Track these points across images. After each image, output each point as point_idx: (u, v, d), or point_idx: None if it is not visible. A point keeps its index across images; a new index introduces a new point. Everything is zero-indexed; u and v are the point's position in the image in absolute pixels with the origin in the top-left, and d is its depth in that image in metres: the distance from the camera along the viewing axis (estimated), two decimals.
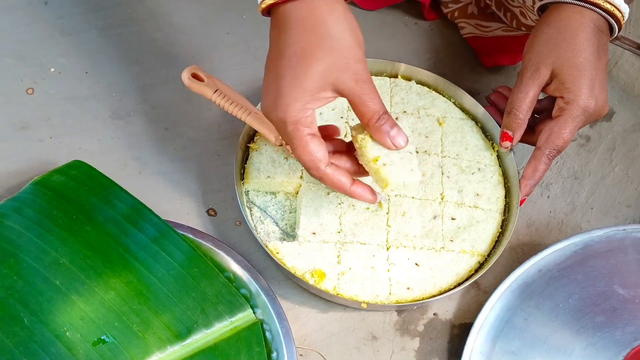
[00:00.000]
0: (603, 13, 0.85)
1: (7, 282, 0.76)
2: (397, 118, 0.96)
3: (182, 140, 0.95)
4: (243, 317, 0.80)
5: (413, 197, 0.90)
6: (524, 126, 0.89)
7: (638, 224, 0.93)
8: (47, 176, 0.83)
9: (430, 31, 1.10)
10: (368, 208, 0.89)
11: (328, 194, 0.89)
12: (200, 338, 0.78)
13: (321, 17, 0.71)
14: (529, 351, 0.83)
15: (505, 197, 0.93)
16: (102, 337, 0.75)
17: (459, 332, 0.87)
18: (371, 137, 0.77)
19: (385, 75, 1.00)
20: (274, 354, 0.80)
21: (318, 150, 0.73)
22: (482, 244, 0.89)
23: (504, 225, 0.91)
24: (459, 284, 0.86)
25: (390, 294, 0.85)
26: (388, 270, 0.86)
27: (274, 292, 0.82)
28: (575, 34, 0.85)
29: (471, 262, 0.88)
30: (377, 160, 0.77)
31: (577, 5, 0.85)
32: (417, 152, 0.93)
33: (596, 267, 0.87)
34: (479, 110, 0.97)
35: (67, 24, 1.03)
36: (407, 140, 0.77)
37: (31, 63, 0.99)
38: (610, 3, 0.84)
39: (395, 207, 0.90)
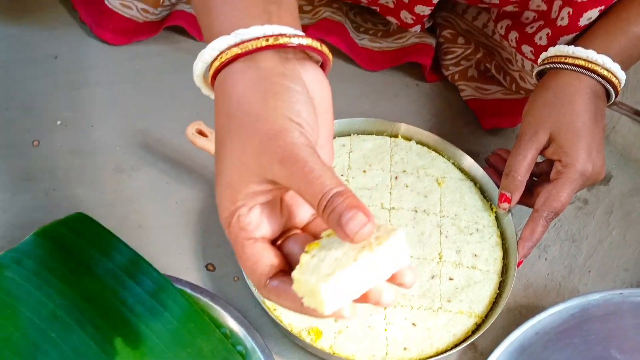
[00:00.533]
0: (600, 79, 0.86)
1: (4, 333, 0.76)
2: (397, 177, 0.97)
3: (184, 195, 0.96)
4: None
5: (411, 256, 0.91)
6: (522, 188, 0.90)
7: (635, 288, 0.94)
8: (48, 227, 0.84)
9: (431, 93, 1.11)
10: None
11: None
12: None
13: (230, 90, 0.57)
14: None
15: (503, 258, 0.93)
16: None
17: None
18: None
19: (386, 135, 1.01)
20: None
21: (257, 259, 0.56)
22: (480, 305, 0.89)
23: (501, 286, 0.91)
24: (456, 345, 0.86)
25: (387, 353, 0.84)
26: (385, 330, 0.86)
27: (270, 349, 0.82)
28: (573, 98, 0.86)
29: (468, 323, 0.88)
30: (310, 247, 0.54)
31: (575, 71, 0.87)
32: (415, 211, 0.94)
33: (593, 331, 0.87)
34: (478, 171, 0.98)
35: (74, 78, 1.04)
36: (366, 226, 0.51)
37: (38, 116, 1.00)
38: (607, 70, 0.86)
39: None
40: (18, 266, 0.80)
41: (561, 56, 0.88)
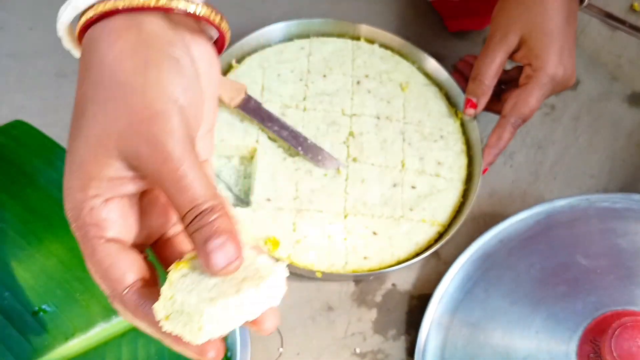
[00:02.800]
0: None
1: None
2: (358, 82, 0.94)
3: None
4: None
5: (372, 164, 0.89)
6: (489, 93, 0.88)
7: (601, 193, 0.94)
8: None
9: None
10: (326, 174, 0.88)
11: (285, 159, 0.88)
12: None
13: (102, 52, 0.46)
14: (489, 322, 0.83)
15: (468, 166, 0.93)
16: (43, 307, 0.73)
17: (418, 303, 0.87)
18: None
19: (347, 38, 0.98)
20: None
21: (111, 265, 0.45)
22: (443, 214, 0.89)
23: (465, 194, 0.91)
24: (418, 254, 0.86)
25: (346, 263, 0.84)
26: (345, 239, 0.85)
27: None
28: None
29: (430, 231, 0.88)
30: (180, 264, 0.47)
31: None
32: (378, 118, 0.92)
33: (559, 237, 0.88)
34: (442, 75, 0.96)
35: None
36: (234, 262, 0.45)
37: None
38: None
39: (354, 174, 0.89)
40: None
41: None
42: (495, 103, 0.90)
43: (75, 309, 0.74)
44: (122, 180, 0.45)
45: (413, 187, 0.89)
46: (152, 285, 0.46)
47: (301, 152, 0.87)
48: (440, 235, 0.88)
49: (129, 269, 0.45)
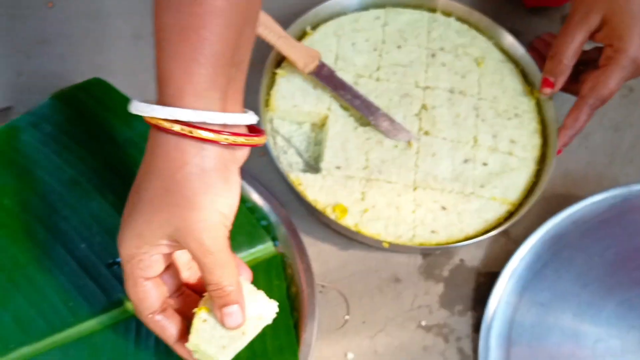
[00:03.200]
0: None
1: (23, 197, 0.75)
2: (433, 55, 0.93)
3: None
4: (263, 250, 0.79)
5: (444, 139, 0.88)
6: (568, 72, 0.86)
7: None
8: (66, 91, 0.81)
9: None
10: (396, 146, 0.87)
11: (356, 128, 0.87)
12: None
13: (175, 157, 0.58)
14: (559, 304, 0.82)
15: (542, 146, 0.91)
16: (117, 260, 0.74)
17: (485, 280, 0.86)
18: None
19: (423, 9, 0.97)
20: (293, 289, 0.78)
21: (146, 296, 0.63)
22: (514, 193, 0.87)
23: (538, 175, 0.89)
24: (487, 232, 0.85)
25: (414, 235, 0.83)
26: (413, 212, 0.84)
27: (295, 226, 0.81)
28: None
29: (501, 210, 0.86)
30: (202, 309, 0.65)
31: None
32: (451, 92, 0.91)
33: (635, 222, 0.86)
34: (519, 51, 0.95)
35: None
36: (240, 324, 0.64)
37: None
38: None
39: (425, 148, 0.88)
40: (35, 130, 0.79)
41: None
42: (573, 84, 0.88)
43: None
44: (166, 247, 0.61)
45: (485, 164, 0.88)
46: (166, 310, 0.65)
47: (373, 122, 0.87)
48: (511, 214, 0.87)
49: (155, 300, 0.63)
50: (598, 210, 0.86)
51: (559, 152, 0.88)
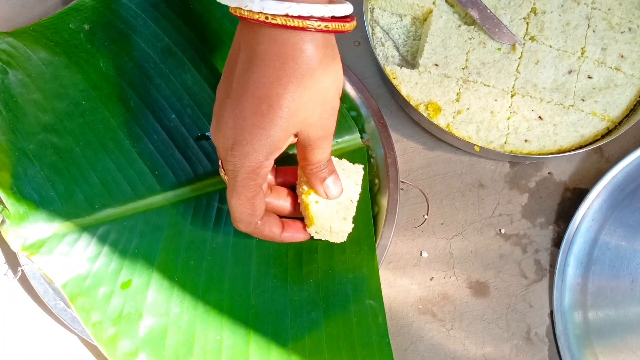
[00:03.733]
0: None
1: (118, 61, 0.75)
2: None
3: None
4: (350, 140, 0.77)
5: (551, 46, 0.83)
6: None
7: None
8: None
9: None
10: (499, 49, 0.82)
11: (459, 26, 0.83)
12: None
13: (305, 61, 0.58)
14: None
15: None
16: (206, 134, 0.74)
17: (572, 196, 0.83)
18: None
19: None
20: (376, 181, 0.77)
21: (259, 206, 0.64)
22: (616, 110, 0.82)
23: None
24: (581, 147, 0.81)
25: (505, 142, 0.80)
26: (508, 118, 0.81)
27: (385, 120, 0.79)
28: None
29: (599, 126, 0.82)
30: (308, 194, 0.69)
31: None
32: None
33: None
34: None
35: None
36: (341, 190, 0.69)
37: None
38: None
39: (530, 54, 0.83)
40: None
41: None
42: None
43: None
44: (287, 145, 0.63)
45: (589, 77, 0.83)
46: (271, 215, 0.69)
47: (478, 21, 0.82)
48: (609, 132, 0.82)
49: (263, 206, 0.65)
50: None
51: None
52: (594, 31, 0.85)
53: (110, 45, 0.76)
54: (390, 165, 0.77)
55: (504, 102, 0.81)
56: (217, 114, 0.61)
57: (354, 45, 0.86)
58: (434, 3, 0.84)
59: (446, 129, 0.80)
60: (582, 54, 0.84)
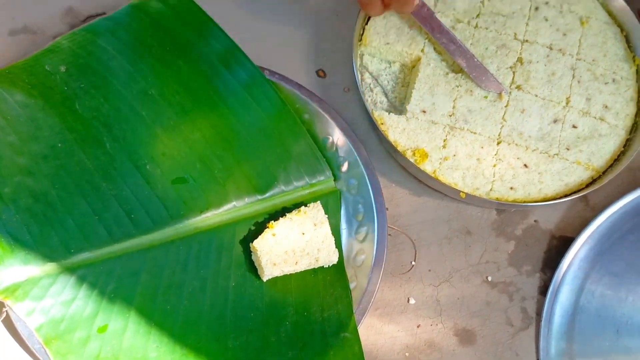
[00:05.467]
0: None
1: (94, 103, 0.70)
2: (537, 8, 0.83)
3: None
4: (324, 182, 0.72)
5: (536, 95, 0.79)
6: None
7: None
8: (145, 1, 0.75)
9: None
10: (486, 97, 0.78)
11: (447, 74, 0.79)
12: (278, 195, 0.70)
13: None
14: (634, 275, 0.73)
15: (636, 115, 0.80)
16: (183, 176, 0.68)
17: (558, 244, 0.78)
18: None
19: None
20: (364, 229, 0.73)
21: None
22: (600, 160, 0.78)
23: (627, 144, 0.79)
24: (566, 195, 0.76)
25: (491, 189, 0.75)
26: (494, 166, 0.76)
27: (373, 165, 0.75)
28: None
29: (584, 175, 0.77)
30: (273, 226, 0.68)
31: None
32: (550, 49, 0.82)
33: None
34: (627, 15, 0.84)
35: None
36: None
37: None
38: None
39: (516, 102, 0.78)
40: (112, 36, 0.73)
41: None
42: None
43: (212, 185, 0.69)
44: None
45: (574, 127, 0.79)
46: None
47: (465, 69, 0.79)
48: (593, 181, 0.78)
49: None
50: None
51: None
52: (578, 81, 0.81)
53: (86, 87, 0.70)
54: (378, 210, 0.72)
55: (490, 150, 0.77)
56: None
57: (344, 92, 0.82)
58: (422, 51, 0.80)
59: (433, 175, 0.75)
60: (567, 103, 0.80)
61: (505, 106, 0.78)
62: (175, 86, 0.71)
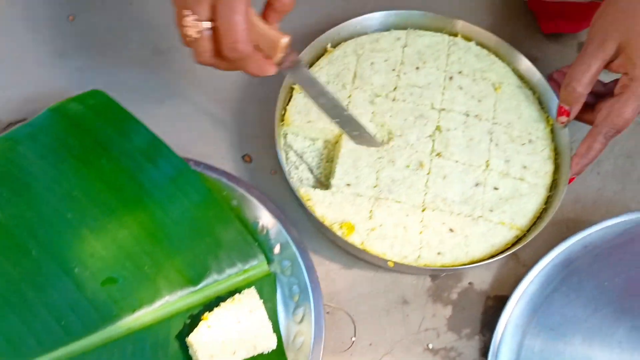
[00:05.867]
0: None
1: (17, 210, 0.69)
2: (451, 78, 0.85)
3: (223, 81, 0.86)
4: (257, 266, 0.72)
5: (457, 161, 0.81)
6: (582, 101, 0.78)
7: None
8: (64, 103, 0.75)
9: None
10: (408, 166, 0.80)
11: (368, 147, 0.80)
12: (212, 285, 0.70)
13: None
14: (569, 328, 0.74)
15: (554, 173, 0.82)
16: (112, 276, 0.67)
17: (494, 303, 0.78)
18: None
19: (444, 33, 0.89)
20: (301, 309, 0.72)
21: (246, 28, 0.61)
22: (523, 219, 0.79)
23: (548, 201, 0.80)
24: (493, 256, 0.77)
25: (419, 257, 0.76)
26: (420, 233, 0.77)
27: (305, 245, 0.74)
28: None
29: (508, 235, 0.78)
30: (206, 317, 0.68)
31: None
32: (467, 115, 0.84)
33: None
34: (536, 76, 0.87)
35: None
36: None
37: None
38: None
39: (437, 169, 0.80)
40: (32, 142, 0.72)
41: None
42: (589, 113, 0.79)
43: (142, 282, 0.68)
44: None
45: (495, 189, 0.80)
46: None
47: (337, 123, 0.78)
48: (519, 240, 0.79)
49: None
50: (610, 236, 0.79)
51: (571, 180, 0.79)
52: (496, 144, 0.83)
53: (7, 194, 0.69)
54: (313, 290, 0.71)
55: (415, 217, 0.77)
56: None
57: (271, 174, 0.82)
58: None
59: (361, 247, 0.75)
60: (487, 166, 0.81)
61: (427, 174, 0.80)
62: (100, 185, 0.71)
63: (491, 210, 0.79)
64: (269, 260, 0.74)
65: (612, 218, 0.79)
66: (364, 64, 0.85)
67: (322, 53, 0.86)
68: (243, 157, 0.83)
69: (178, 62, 0.88)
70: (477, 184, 0.80)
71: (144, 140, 0.74)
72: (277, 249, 0.74)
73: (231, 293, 0.69)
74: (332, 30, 0.86)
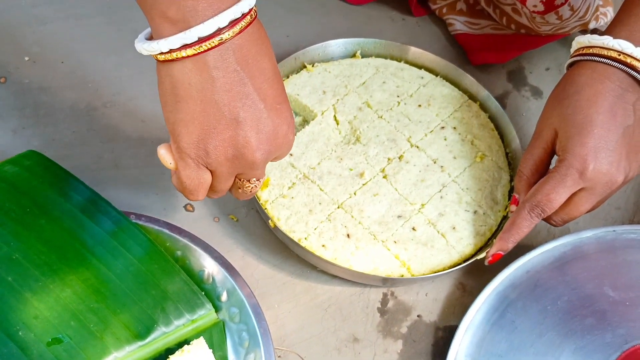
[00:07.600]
0: (623, 67, 0.75)
1: None
2: (443, 127, 0.90)
3: (160, 133, 0.88)
4: (205, 316, 0.73)
5: (396, 189, 0.84)
6: (528, 188, 0.80)
7: (628, 225, 0.87)
8: None
9: (418, 28, 1.03)
10: (351, 169, 0.85)
11: (329, 139, 0.87)
12: (160, 338, 0.70)
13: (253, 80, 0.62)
14: (516, 354, 0.76)
15: (478, 251, 0.84)
16: (58, 337, 0.67)
17: (444, 334, 0.81)
18: None
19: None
20: (252, 355, 0.73)
21: (204, 182, 0.67)
22: (418, 265, 0.81)
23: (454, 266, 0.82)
24: (362, 276, 0.80)
25: (306, 238, 0.81)
26: (321, 222, 0.82)
27: (252, 290, 0.76)
28: (579, 89, 0.76)
29: (396, 269, 0.81)
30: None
31: (591, 61, 0.76)
32: (433, 162, 0.87)
33: (586, 269, 0.81)
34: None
35: (43, 12, 0.96)
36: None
37: (4, 51, 0.92)
38: (629, 56, 0.74)
39: (374, 186, 0.85)
40: None
41: (581, 48, 0.78)
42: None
43: (89, 340, 0.68)
44: None
45: (413, 229, 0.82)
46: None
47: None
48: (402, 277, 0.80)
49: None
50: (550, 259, 0.81)
51: (494, 257, 0.79)
52: (441, 197, 0.85)
53: None
54: (263, 334, 0.72)
55: (325, 208, 0.82)
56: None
57: (214, 221, 0.84)
58: (322, 113, 0.89)
59: (262, 205, 0.81)
60: (420, 208, 0.84)
61: (363, 184, 0.84)
62: (40, 246, 0.71)
63: (395, 242, 0.82)
64: (217, 309, 0.75)
65: (550, 242, 0.82)
66: (376, 79, 0.93)
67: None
68: (185, 206, 0.85)
69: (114, 118, 0.89)
70: (399, 216, 0.83)
71: (82, 198, 0.75)
72: (224, 297, 0.76)
73: (180, 345, 0.70)
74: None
